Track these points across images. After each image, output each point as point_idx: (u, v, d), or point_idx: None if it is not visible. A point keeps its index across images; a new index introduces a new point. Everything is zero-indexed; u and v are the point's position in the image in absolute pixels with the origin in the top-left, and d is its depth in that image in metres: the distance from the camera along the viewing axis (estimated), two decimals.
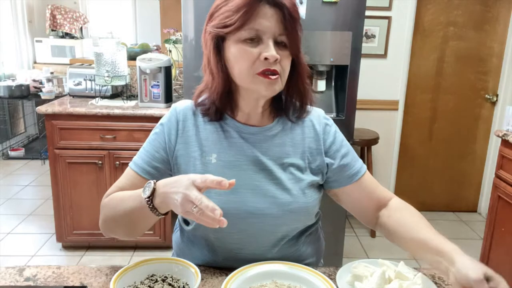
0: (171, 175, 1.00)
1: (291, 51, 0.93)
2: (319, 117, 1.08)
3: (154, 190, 0.83)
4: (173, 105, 1.06)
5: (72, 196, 2.65)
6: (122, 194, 0.95)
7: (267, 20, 0.89)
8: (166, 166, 1.01)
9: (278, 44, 0.91)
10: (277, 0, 0.89)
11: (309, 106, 1.06)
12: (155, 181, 0.85)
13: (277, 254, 1.02)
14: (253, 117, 1.02)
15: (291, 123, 1.05)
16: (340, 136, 1.09)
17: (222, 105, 0.99)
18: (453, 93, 3.41)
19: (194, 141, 1.00)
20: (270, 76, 0.91)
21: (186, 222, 1.07)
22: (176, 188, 0.79)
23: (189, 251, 1.08)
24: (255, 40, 0.90)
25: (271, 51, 0.89)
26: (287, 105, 1.04)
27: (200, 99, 1.03)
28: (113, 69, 2.67)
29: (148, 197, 0.83)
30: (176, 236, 1.16)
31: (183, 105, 1.04)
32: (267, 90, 0.93)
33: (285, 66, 0.93)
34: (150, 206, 0.84)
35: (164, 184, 0.83)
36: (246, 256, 1.00)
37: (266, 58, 0.89)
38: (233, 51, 0.92)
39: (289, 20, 0.90)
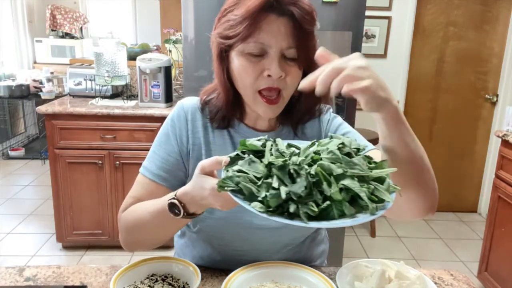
0: (184, 176, 0.98)
1: (301, 64, 0.86)
2: (322, 115, 1.03)
3: (184, 206, 0.79)
4: (179, 102, 1.00)
5: (72, 196, 2.65)
6: (145, 209, 0.89)
7: (274, 33, 0.82)
8: (179, 168, 0.97)
9: (285, 57, 0.85)
10: (286, 9, 0.81)
11: (322, 106, 1.01)
12: (175, 196, 0.80)
13: (280, 259, 1.01)
14: (261, 122, 0.98)
15: (298, 126, 1.00)
16: (338, 121, 1.02)
17: (229, 112, 0.96)
18: (453, 93, 3.41)
19: (202, 144, 0.97)
20: (271, 100, 0.86)
21: (188, 225, 1.06)
22: (198, 191, 0.75)
23: (190, 253, 1.08)
24: (260, 54, 0.84)
25: (275, 68, 0.82)
26: (294, 111, 0.98)
27: (208, 97, 0.99)
28: (113, 69, 2.67)
29: (183, 214, 0.80)
30: (176, 234, 1.15)
31: (190, 102, 1.00)
32: (265, 113, 0.89)
33: (291, 82, 0.86)
34: (188, 217, 0.81)
35: (184, 192, 0.78)
36: (248, 261, 0.98)
37: (269, 75, 0.84)
38: (236, 63, 0.86)
39: (300, 32, 0.83)
